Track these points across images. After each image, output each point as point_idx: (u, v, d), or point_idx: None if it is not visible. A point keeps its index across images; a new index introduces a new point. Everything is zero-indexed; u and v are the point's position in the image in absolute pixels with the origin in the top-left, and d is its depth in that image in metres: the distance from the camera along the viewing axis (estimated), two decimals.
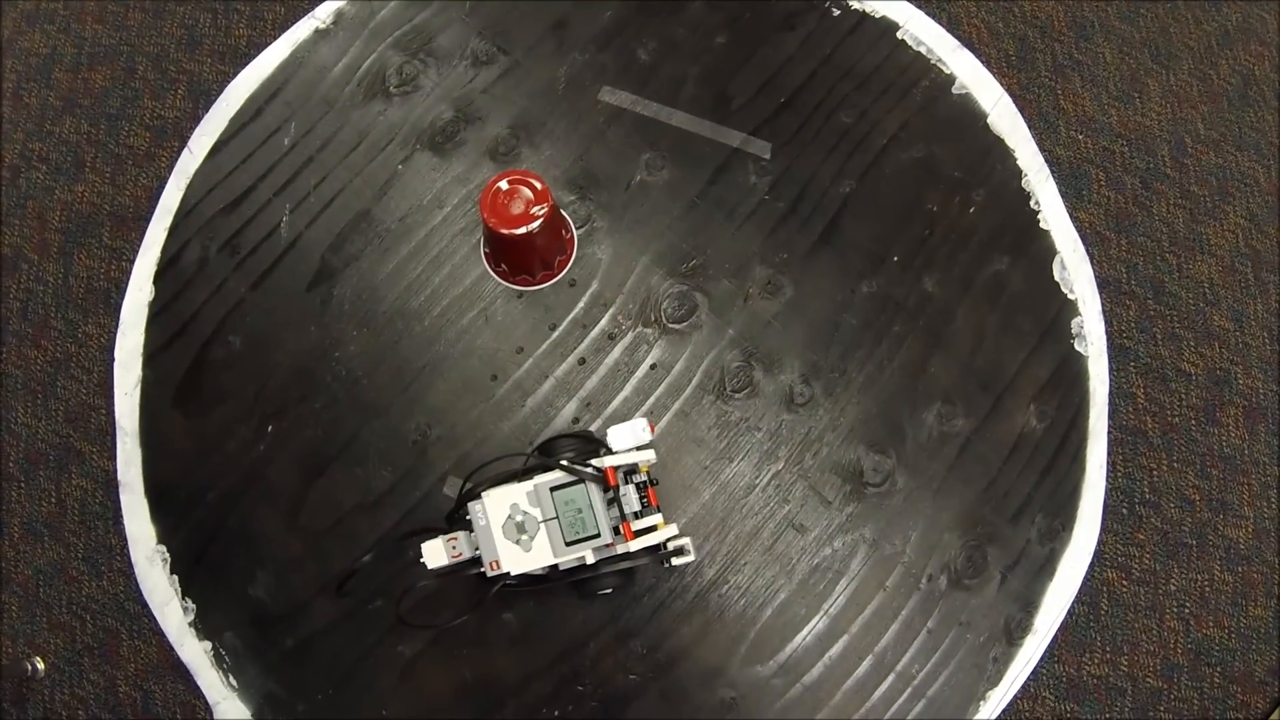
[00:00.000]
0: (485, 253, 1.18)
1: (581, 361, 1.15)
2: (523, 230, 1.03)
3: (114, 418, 1.16)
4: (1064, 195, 1.20)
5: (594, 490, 0.96)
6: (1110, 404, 1.17)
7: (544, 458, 0.99)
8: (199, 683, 1.11)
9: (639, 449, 0.98)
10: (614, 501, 0.97)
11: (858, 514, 1.12)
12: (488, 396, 1.14)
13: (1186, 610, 2.04)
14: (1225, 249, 2.21)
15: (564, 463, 0.96)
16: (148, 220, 1.21)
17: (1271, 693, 2.04)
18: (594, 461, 0.97)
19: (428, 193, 1.21)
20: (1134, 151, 2.26)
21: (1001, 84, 1.26)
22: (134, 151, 2.25)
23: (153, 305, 1.20)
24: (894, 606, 1.10)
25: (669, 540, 1.00)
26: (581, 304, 1.17)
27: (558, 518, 0.95)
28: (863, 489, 1.12)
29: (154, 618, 1.12)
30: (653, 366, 1.15)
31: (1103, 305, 1.18)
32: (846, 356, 1.16)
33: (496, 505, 0.96)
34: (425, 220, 1.20)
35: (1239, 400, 2.13)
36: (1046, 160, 1.24)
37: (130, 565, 1.12)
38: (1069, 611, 1.12)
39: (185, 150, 1.25)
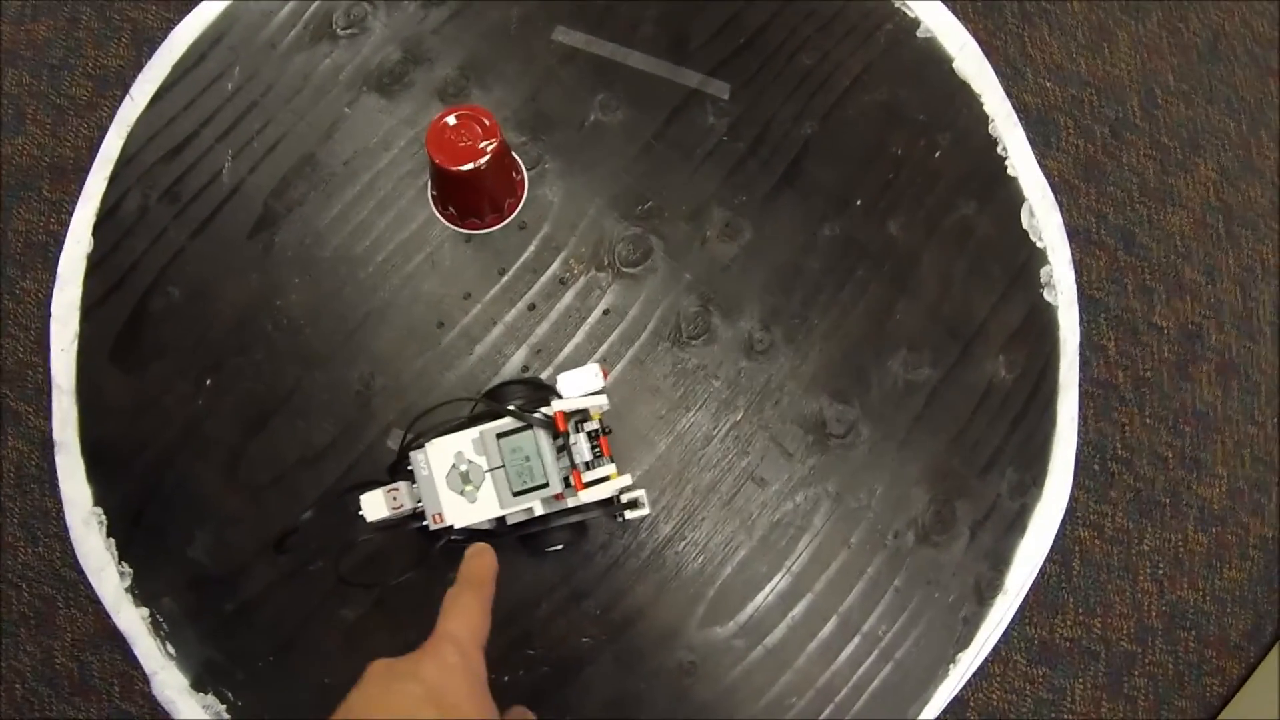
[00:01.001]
0: (432, 195, 1.14)
1: (532, 307, 1.11)
2: (470, 166, 1.00)
3: (50, 375, 1.12)
4: (1032, 142, 1.17)
5: (542, 437, 0.92)
6: (1081, 356, 1.14)
7: (491, 403, 0.96)
8: (136, 651, 1.07)
9: (591, 395, 0.94)
10: (564, 450, 0.93)
11: (820, 466, 1.08)
12: (434, 344, 1.10)
13: (1160, 571, 2.03)
14: (1196, 202, 2.20)
15: (511, 408, 0.92)
16: (88, 171, 1.18)
17: (1247, 657, 2.03)
18: (543, 409, 0.93)
19: (374, 135, 1.17)
20: (1103, 100, 2.25)
21: (968, 29, 1.23)
22: (75, 102, 2.22)
23: (91, 257, 1.16)
24: (859, 564, 1.06)
25: (622, 492, 0.96)
26: (532, 248, 1.13)
27: (504, 466, 0.91)
28: (825, 440, 1.09)
29: (90, 584, 1.08)
30: (606, 312, 1.11)
31: (1072, 255, 1.15)
32: (808, 302, 1.12)
33: (440, 454, 0.92)
34: (371, 163, 1.16)
35: (1211, 356, 2.12)
36: (1014, 107, 1.21)
37: (66, 530, 1.08)
38: (1040, 571, 1.09)
39: (127, 98, 1.21)
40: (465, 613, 0.76)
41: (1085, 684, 1.99)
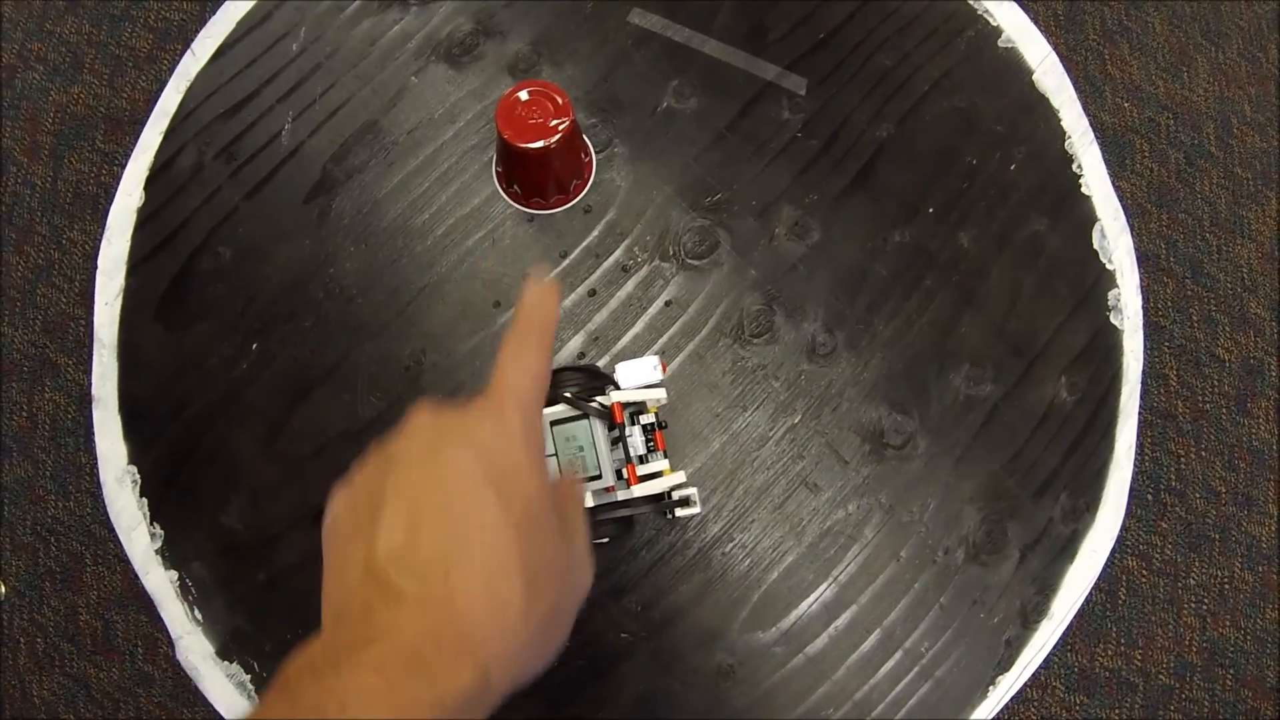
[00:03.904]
0: (497, 171, 1.12)
1: (592, 293, 1.09)
2: (540, 144, 0.98)
3: (93, 329, 1.10)
4: (1106, 162, 1.15)
5: (598, 427, 0.90)
6: (1142, 383, 1.12)
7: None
8: (162, 615, 1.05)
9: (649, 387, 0.92)
10: (618, 442, 0.90)
11: (875, 476, 1.06)
12: (489, 324, 1.09)
13: (1204, 607, 2.00)
14: (1266, 235, 2.17)
15: (567, 395, 0.90)
16: (143, 124, 1.16)
17: None
18: (599, 398, 0.91)
19: (440, 106, 1.16)
20: (1179, 126, 2.22)
21: (1049, 42, 1.21)
22: (135, 54, 2.22)
23: (141, 211, 1.15)
24: (907, 579, 1.04)
25: (674, 489, 0.93)
26: (596, 232, 1.11)
27: (556, 455, 0.89)
28: (882, 450, 1.06)
29: (120, 543, 1.06)
30: (668, 303, 1.09)
31: (1140, 280, 1.13)
32: (874, 308, 1.10)
33: None
34: (436, 135, 1.15)
35: (1271, 393, 2.10)
36: (1091, 124, 1.19)
37: (99, 486, 1.07)
38: (1086, 599, 1.06)
39: (188, 52, 1.19)
40: (528, 363, 0.66)
41: (1121, 715, 1.96)
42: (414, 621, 0.54)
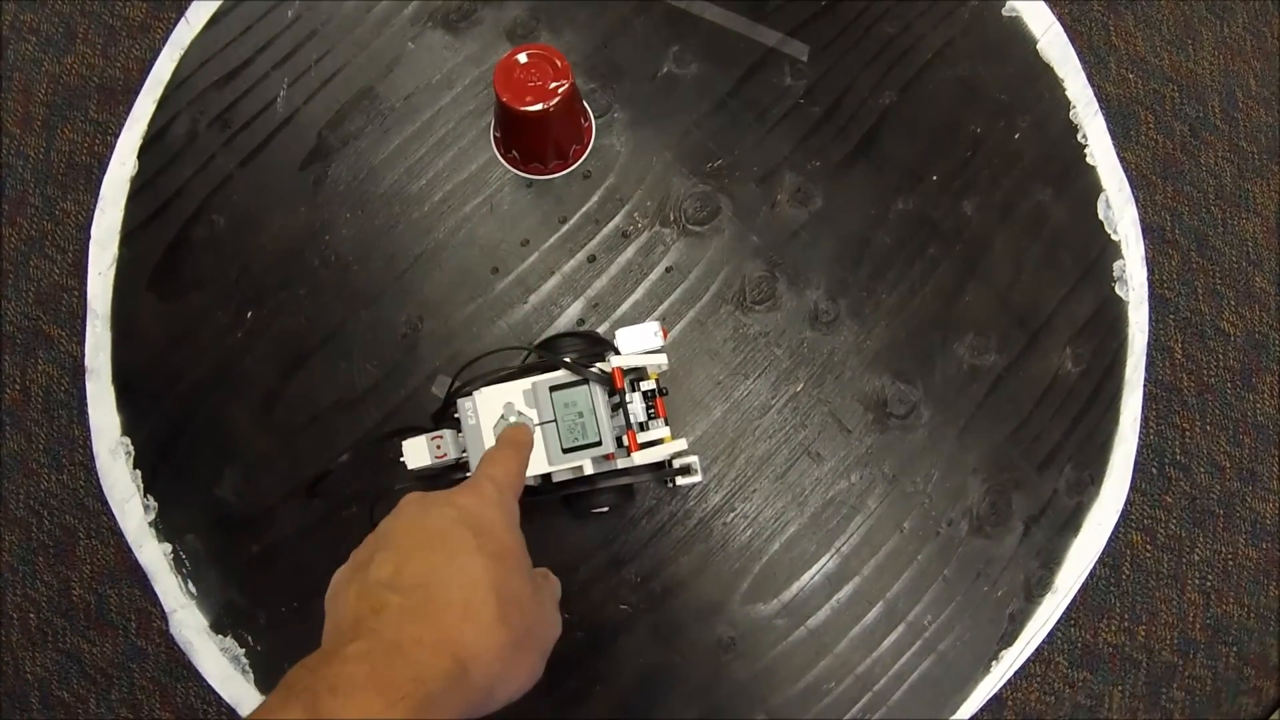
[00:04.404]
0: (495, 136, 1.11)
1: (592, 259, 1.08)
2: (539, 107, 0.97)
3: (86, 300, 1.09)
4: (1111, 133, 1.14)
5: (598, 393, 0.88)
6: (1147, 355, 1.11)
7: (546, 354, 0.92)
8: (156, 588, 1.04)
9: (649, 353, 0.90)
10: (618, 409, 0.89)
11: (878, 446, 1.05)
12: (487, 290, 1.08)
13: (1208, 583, 1.99)
14: (1271, 210, 2.16)
15: (567, 360, 0.88)
16: (137, 93, 1.15)
17: None
18: (599, 364, 0.89)
19: (437, 72, 1.15)
20: (1184, 98, 2.21)
21: (1053, 12, 1.20)
22: (128, 23, 2.20)
23: (135, 181, 1.13)
24: (910, 550, 1.03)
25: (675, 457, 0.93)
26: (596, 198, 1.10)
27: (555, 421, 0.88)
28: (885, 419, 1.05)
29: (113, 516, 1.05)
30: (668, 269, 1.08)
31: (1145, 252, 1.12)
32: (876, 276, 1.09)
33: (488, 403, 0.88)
34: (433, 100, 1.14)
35: (1275, 368, 2.08)
36: (1096, 95, 1.18)
37: (92, 458, 1.06)
38: (1090, 573, 1.05)
39: (182, 20, 1.18)
40: (504, 462, 0.79)
41: (1124, 692, 1.96)
42: (396, 623, 0.63)
